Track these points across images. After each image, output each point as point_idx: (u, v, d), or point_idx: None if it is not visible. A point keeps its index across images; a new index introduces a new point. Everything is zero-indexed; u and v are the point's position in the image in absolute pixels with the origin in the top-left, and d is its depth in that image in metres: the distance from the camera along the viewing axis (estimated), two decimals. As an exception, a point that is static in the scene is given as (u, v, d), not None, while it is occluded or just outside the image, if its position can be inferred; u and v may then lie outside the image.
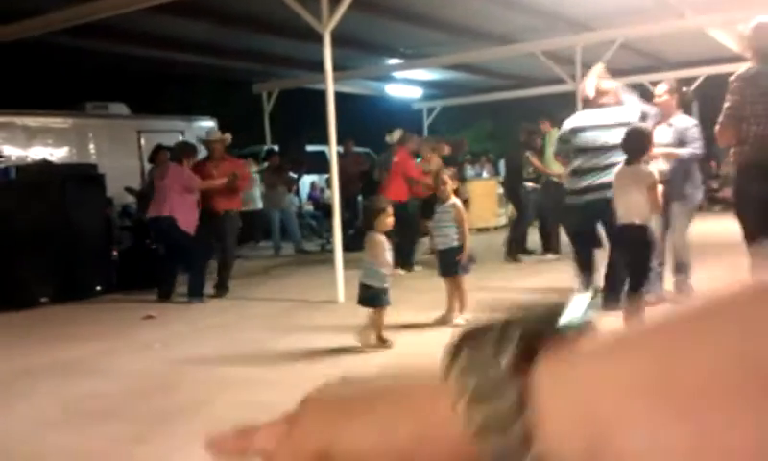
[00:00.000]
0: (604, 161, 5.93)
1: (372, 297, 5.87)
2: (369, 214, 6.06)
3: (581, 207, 6.22)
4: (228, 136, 9.26)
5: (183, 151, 9.12)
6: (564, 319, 0.41)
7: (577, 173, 6.28)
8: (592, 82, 6.42)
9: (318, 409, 0.47)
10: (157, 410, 4.64)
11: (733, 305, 0.35)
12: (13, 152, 11.40)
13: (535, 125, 11.29)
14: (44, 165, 10.62)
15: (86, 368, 5.92)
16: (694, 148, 6.54)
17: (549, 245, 10.96)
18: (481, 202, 15.03)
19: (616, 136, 5.61)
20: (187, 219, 8.68)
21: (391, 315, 6.13)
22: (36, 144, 12.57)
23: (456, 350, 0.42)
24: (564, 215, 6.83)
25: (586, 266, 6.44)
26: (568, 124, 6.45)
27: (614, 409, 0.35)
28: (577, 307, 0.42)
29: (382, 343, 5.90)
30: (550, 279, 8.65)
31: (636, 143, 5.28)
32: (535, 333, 0.40)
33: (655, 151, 5.86)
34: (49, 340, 7.10)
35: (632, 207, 5.19)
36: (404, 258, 10.07)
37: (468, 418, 0.39)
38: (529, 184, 11.05)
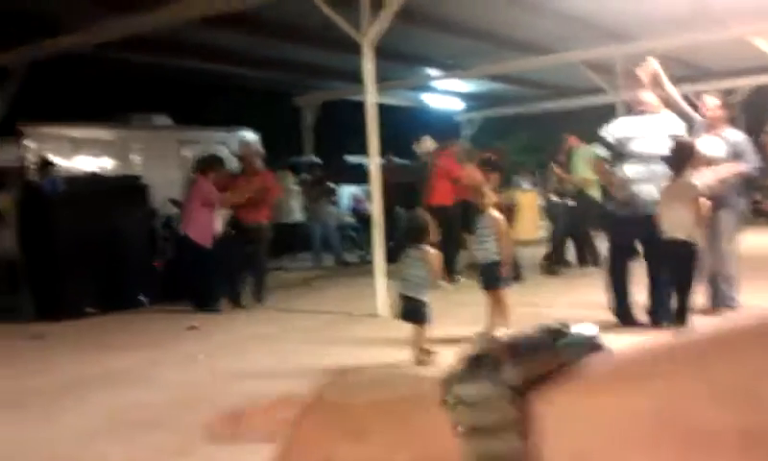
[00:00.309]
0: (652, 171, 5.83)
1: (413, 311, 5.83)
2: (414, 228, 6.00)
3: (627, 218, 6.12)
4: (259, 149, 9.37)
5: (207, 163, 9.19)
6: (565, 341, 0.40)
7: (625, 182, 6.19)
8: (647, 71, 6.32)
9: (317, 423, 0.46)
10: (202, 422, 4.67)
11: (741, 344, 0.35)
12: (60, 163, 11.59)
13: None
14: (90, 177, 10.81)
15: (132, 378, 6.00)
16: (753, 162, 6.45)
17: (584, 257, 10.87)
18: (522, 214, 14.92)
19: (664, 146, 5.54)
20: (203, 234, 8.76)
21: (432, 329, 6.11)
22: (81, 155, 12.78)
23: (455, 377, 0.41)
24: (609, 225, 6.69)
25: (620, 280, 6.31)
26: (615, 131, 6.37)
27: (609, 451, 0.35)
28: (582, 331, 0.41)
29: (426, 357, 5.82)
30: (588, 293, 8.56)
31: (681, 157, 5.22)
32: (535, 359, 0.39)
33: (718, 168, 5.79)
34: (96, 351, 7.21)
35: (676, 222, 5.13)
36: (447, 268, 9.92)
37: (465, 451, 0.38)
38: (554, 197, 11.04)
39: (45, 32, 10.23)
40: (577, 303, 8.01)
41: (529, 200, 16.28)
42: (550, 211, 11.16)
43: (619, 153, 6.24)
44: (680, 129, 6.11)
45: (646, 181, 5.88)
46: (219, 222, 9.07)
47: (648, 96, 6.33)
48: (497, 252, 6.54)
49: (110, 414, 4.97)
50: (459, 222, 10.16)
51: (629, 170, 6.10)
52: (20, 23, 10.53)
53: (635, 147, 6.11)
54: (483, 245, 6.60)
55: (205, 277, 8.92)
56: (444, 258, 9.29)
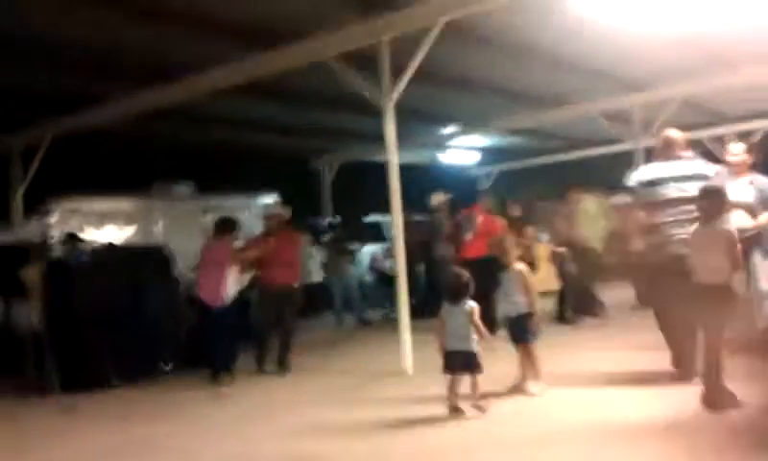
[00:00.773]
0: (684, 215, 5.79)
1: (466, 362, 5.98)
2: (457, 284, 6.10)
3: (660, 263, 6.03)
4: (283, 211, 9.44)
5: (222, 226, 9.28)
6: None
7: (658, 226, 6.13)
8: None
9: None
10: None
11: None
12: (85, 236, 11.69)
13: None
14: (116, 248, 10.91)
15: (162, 447, 5.97)
16: None
17: (588, 310, 10.82)
18: (541, 265, 14.86)
19: (694, 189, 5.52)
20: (213, 294, 8.78)
21: (464, 385, 6.08)
22: (105, 227, 12.91)
23: None
24: (641, 273, 6.60)
25: (673, 330, 6.22)
26: (642, 176, 6.36)
27: None
28: None
29: (481, 405, 5.95)
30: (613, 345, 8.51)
31: (713, 203, 5.21)
32: None
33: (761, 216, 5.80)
34: (123, 420, 7.20)
35: (711, 268, 5.09)
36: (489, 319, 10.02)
37: None
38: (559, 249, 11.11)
39: (67, 108, 10.46)
40: (610, 350, 7.95)
41: (547, 251, 16.23)
42: (563, 265, 11.19)
43: (646, 199, 6.21)
44: (708, 171, 6.12)
45: (678, 225, 5.84)
46: (233, 283, 9.05)
47: (678, 135, 6.36)
48: (525, 305, 6.53)
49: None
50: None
51: (661, 215, 6.07)
52: (43, 100, 10.77)
53: (665, 191, 6.09)
54: (511, 299, 6.58)
55: (217, 339, 8.88)
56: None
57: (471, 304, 6.04)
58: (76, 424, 7.17)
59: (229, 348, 8.84)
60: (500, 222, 10.72)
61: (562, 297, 11.12)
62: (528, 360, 6.56)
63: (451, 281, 6.17)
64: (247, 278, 9.75)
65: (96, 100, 10.20)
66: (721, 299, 5.10)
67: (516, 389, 6.50)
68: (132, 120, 10.98)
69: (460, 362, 5.98)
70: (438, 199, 12.22)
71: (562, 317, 10.79)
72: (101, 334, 9.17)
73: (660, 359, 6.43)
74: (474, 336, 5.98)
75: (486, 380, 6.78)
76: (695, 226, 5.41)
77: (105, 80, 10.32)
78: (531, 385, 6.47)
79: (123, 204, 13.52)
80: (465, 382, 6.07)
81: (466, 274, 6.23)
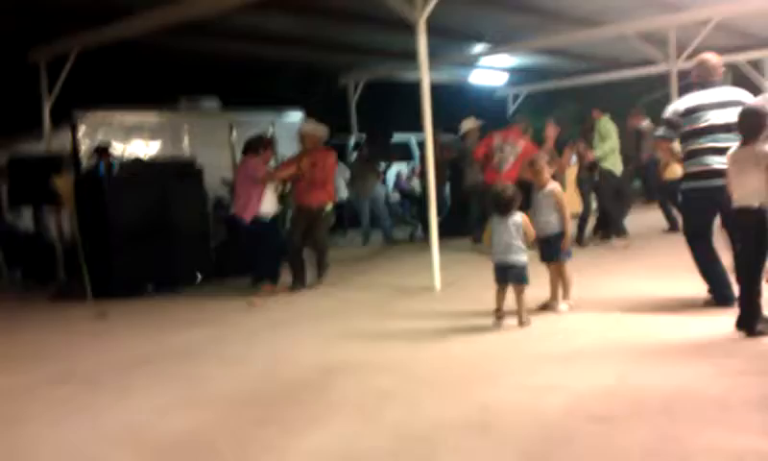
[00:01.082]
0: (727, 142, 5.67)
1: (517, 275, 6.10)
2: (505, 198, 6.15)
3: (711, 191, 5.95)
4: (320, 129, 9.27)
5: (253, 144, 9.29)
6: None
7: (699, 154, 6.03)
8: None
9: None
10: (274, 396, 4.75)
11: None
12: (112, 148, 11.75)
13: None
14: (146, 161, 10.97)
15: (199, 353, 6.10)
16: None
17: (610, 232, 10.81)
18: (569, 188, 14.80)
19: (735, 115, 5.40)
20: (248, 210, 8.88)
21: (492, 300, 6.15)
22: (134, 140, 12.96)
23: None
24: (685, 201, 6.46)
25: (713, 260, 6.16)
26: (682, 105, 6.21)
27: None
28: None
29: (528, 318, 6.11)
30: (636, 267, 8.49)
31: (753, 122, 5.11)
32: None
33: None
34: (158, 329, 7.36)
35: (749, 190, 5.03)
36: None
37: None
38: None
39: (94, 20, 10.35)
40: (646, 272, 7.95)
41: (573, 173, 16.14)
42: (581, 187, 11.13)
43: (689, 129, 6.07)
44: (746, 97, 5.97)
45: (720, 153, 5.72)
46: (270, 200, 9.11)
47: (715, 60, 6.19)
48: (558, 225, 6.52)
49: (185, 388, 5.06)
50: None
51: (703, 142, 5.95)
52: (69, 11, 10.67)
53: (708, 119, 5.96)
54: (545, 218, 6.55)
55: (254, 252, 9.07)
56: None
57: (520, 216, 6.15)
58: (112, 331, 7.35)
59: (267, 260, 9.00)
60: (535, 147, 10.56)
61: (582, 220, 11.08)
62: (560, 279, 6.58)
63: (499, 195, 6.21)
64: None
65: (123, 13, 10.08)
66: (759, 222, 5.04)
67: (547, 307, 6.54)
68: (159, 34, 10.86)
69: (509, 274, 6.11)
70: (468, 125, 12.07)
71: (579, 240, 10.73)
72: (132, 244, 9.33)
73: (693, 283, 6.41)
74: (523, 247, 6.13)
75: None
76: (730, 152, 5.31)
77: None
78: (561, 304, 6.50)
79: (150, 117, 13.51)
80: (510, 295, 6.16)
81: (511, 186, 6.31)
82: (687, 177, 6.16)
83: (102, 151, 10.96)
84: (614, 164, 10.83)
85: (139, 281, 9.40)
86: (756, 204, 5.01)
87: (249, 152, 9.20)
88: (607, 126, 10.89)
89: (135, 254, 9.36)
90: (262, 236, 8.96)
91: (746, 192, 5.07)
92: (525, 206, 6.54)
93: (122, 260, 9.34)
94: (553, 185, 6.64)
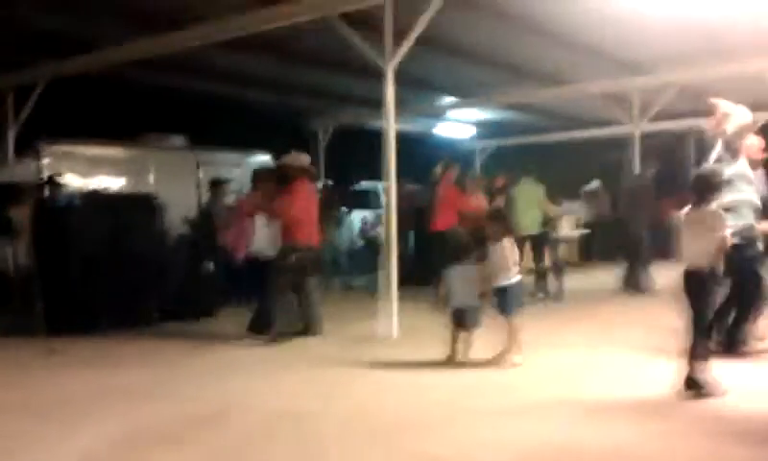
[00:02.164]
0: None
1: (471, 317, 6.49)
2: (458, 246, 6.55)
3: None
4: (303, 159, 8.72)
5: (256, 176, 9.46)
6: None
7: None
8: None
9: None
10: (215, 441, 4.67)
11: None
12: (77, 181, 11.65)
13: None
14: (107, 194, 10.87)
15: (147, 393, 6.00)
16: None
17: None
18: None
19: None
20: (236, 243, 8.88)
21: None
22: (98, 174, 12.84)
23: None
24: None
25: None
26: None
27: None
28: None
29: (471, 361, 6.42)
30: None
31: (706, 185, 5.23)
32: None
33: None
34: (110, 365, 7.23)
35: (699, 252, 5.12)
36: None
37: None
38: None
39: (64, 51, 10.34)
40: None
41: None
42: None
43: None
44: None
45: None
46: (265, 237, 9.03)
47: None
48: (510, 278, 6.58)
49: (129, 428, 4.97)
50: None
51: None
52: (39, 42, 10.66)
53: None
54: (498, 270, 6.60)
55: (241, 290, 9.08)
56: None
57: (472, 265, 6.54)
58: (65, 365, 7.22)
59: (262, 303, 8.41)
60: (462, 196, 10.93)
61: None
62: (510, 332, 6.60)
63: (451, 243, 6.64)
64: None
65: (92, 46, 10.09)
66: (705, 283, 5.13)
67: (496, 360, 6.54)
68: (128, 68, 10.88)
69: (463, 317, 6.46)
70: (438, 172, 12.23)
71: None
72: (89, 278, 9.19)
73: (643, 340, 6.48)
74: (476, 293, 6.48)
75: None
76: (686, 209, 5.40)
77: (101, 25, 10.22)
78: (513, 357, 6.52)
79: (116, 151, 13.44)
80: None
81: (465, 235, 6.77)
82: None
83: (56, 183, 10.80)
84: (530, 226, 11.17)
85: (94, 317, 9.24)
86: (705, 265, 5.10)
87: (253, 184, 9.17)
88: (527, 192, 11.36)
89: (91, 288, 9.20)
90: (258, 276, 8.59)
91: (696, 254, 5.15)
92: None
93: (78, 295, 9.16)
94: (507, 239, 6.70)
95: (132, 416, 5.25)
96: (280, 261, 8.30)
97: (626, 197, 11.87)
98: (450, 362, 6.35)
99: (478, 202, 10.97)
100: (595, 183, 18.00)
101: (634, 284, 11.38)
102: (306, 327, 8.34)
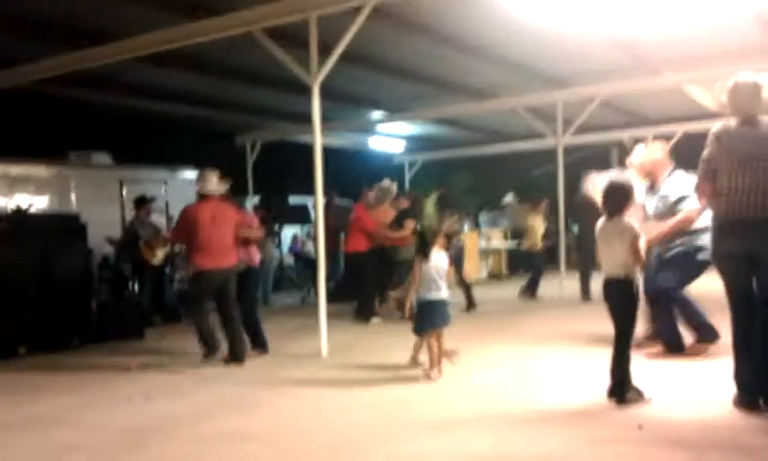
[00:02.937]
0: None
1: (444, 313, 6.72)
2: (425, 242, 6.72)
3: None
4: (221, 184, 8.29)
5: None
6: None
7: None
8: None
9: None
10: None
11: None
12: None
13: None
14: (26, 214, 10.53)
15: (67, 420, 5.80)
16: None
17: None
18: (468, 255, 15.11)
19: None
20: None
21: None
22: (17, 192, 12.47)
23: None
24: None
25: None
26: None
27: None
28: None
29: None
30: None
31: (618, 198, 5.34)
32: None
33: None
34: (28, 391, 6.97)
35: (616, 262, 5.24)
36: (363, 311, 10.76)
37: None
38: None
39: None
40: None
41: (472, 241, 16.60)
42: None
43: None
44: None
45: None
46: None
47: None
48: (443, 292, 6.61)
49: (43, 458, 4.79)
50: (374, 267, 10.95)
51: None
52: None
53: None
54: (431, 285, 6.61)
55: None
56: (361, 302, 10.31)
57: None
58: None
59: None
60: (369, 219, 11.09)
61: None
62: (437, 345, 6.62)
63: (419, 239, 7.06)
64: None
65: (12, 61, 9.79)
66: (626, 293, 5.25)
67: (425, 373, 6.56)
68: (49, 84, 10.59)
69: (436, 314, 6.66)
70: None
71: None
72: (6, 301, 8.87)
73: (572, 350, 6.58)
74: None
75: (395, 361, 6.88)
76: (601, 221, 5.50)
77: (22, 41, 9.94)
78: (433, 372, 6.54)
79: (37, 169, 13.08)
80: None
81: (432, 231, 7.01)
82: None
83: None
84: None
85: (11, 342, 8.92)
86: (622, 274, 5.22)
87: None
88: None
89: (9, 311, 8.89)
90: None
91: (613, 264, 5.27)
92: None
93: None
94: (442, 253, 6.74)
95: (43, 445, 5.06)
96: (190, 286, 8.35)
97: (579, 208, 12.16)
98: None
99: (379, 222, 11.06)
100: (509, 197, 18.39)
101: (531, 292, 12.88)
102: (229, 353, 7.97)
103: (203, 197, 8.11)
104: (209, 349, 8.06)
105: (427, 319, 6.59)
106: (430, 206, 12.60)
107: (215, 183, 8.13)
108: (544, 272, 13.32)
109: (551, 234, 14.59)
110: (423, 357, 6.80)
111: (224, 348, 8.05)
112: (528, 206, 14.36)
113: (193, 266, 8.02)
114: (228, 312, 8.05)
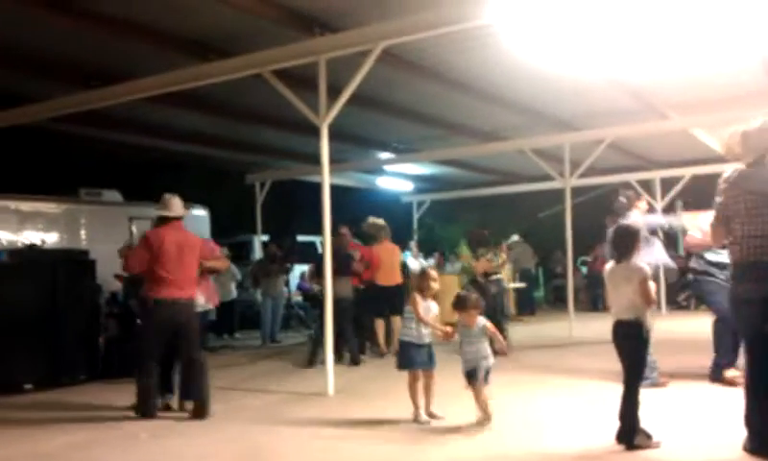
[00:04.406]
0: None
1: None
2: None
3: None
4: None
5: None
6: None
7: None
8: None
9: None
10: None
11: None
12: (5, 236, 11.37)
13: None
14: (36, 249, 10.61)
15: (71, 459, 5.78)
16: None
17: None
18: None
19: None
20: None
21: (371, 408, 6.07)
22: (28, 229, 12.57)
23: None
24: None
25: None
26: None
27: None
28: None
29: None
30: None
31: (626, 241, 5.36)
32: None
33: None
34: (33, 428, 6.96)
35: (624, 305, 5.24)
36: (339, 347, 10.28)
37: None
38: None
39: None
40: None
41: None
42: None
43: None
44: None
45: None
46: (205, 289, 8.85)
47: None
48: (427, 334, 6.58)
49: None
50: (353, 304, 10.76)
51: None
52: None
53: None
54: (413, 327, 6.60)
55: None
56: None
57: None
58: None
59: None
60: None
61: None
62: (430, 388, 6.59)
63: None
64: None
65: (25, 100, 9.94)
66: (634, 336, 5.24)
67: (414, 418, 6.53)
68: (62, 122, 10.74)
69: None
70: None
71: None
72: (14, 337, 8.89)
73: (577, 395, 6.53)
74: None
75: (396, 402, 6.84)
76: (610, 265, 5.52)
77: (35, 80, 10.11)
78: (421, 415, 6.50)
79: (47, 206, 13.19)
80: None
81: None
82: None
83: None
84: None
85: (18, 377, 8.92)
86: (631, 317, 5.21)
87: None
88: None
89: (16, 347, 8.91)
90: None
91: (620, 306, 5.27)
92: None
93: (2, 353, 8.84)
94: (418, 297, 6.69)
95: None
96: (143, 321, 7.40)
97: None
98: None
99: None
100: (515, 237, 18.33)
101: None
102: (193, 407, 7.04)
103: (165, 220, 7.40)
104: (142, 410, 7.09)
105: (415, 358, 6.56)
106: (464, 248, 12.41)
107: (179, 207, 7.53)
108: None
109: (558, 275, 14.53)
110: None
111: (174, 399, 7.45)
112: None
113: (148, 297, 7.13)
114: (190, 353, 7.12)
